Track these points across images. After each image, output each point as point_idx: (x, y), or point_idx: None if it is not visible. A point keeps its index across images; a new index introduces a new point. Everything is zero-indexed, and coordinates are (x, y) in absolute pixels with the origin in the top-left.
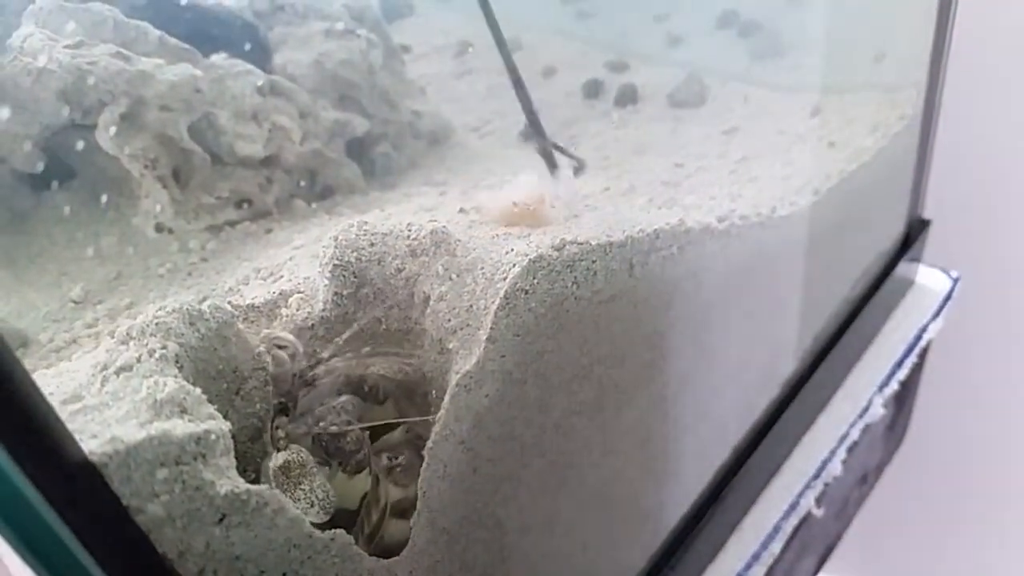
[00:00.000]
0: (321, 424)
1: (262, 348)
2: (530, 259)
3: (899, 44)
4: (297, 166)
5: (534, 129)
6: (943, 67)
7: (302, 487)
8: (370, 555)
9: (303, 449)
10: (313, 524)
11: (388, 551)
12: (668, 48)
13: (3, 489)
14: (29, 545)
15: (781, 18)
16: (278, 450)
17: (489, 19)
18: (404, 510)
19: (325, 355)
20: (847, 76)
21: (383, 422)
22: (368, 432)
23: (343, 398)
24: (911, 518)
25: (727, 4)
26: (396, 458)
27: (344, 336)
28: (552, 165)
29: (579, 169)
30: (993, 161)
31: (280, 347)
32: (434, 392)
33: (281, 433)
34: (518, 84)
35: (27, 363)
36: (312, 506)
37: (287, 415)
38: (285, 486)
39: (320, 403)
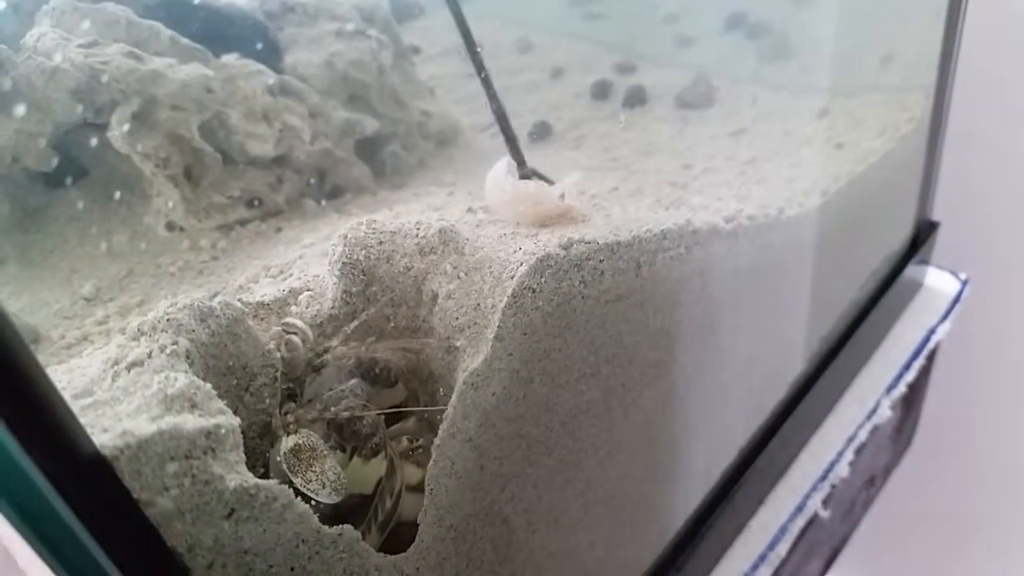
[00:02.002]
0: (333, 409)
1: (271, 345)
2: (538, 258)
3: (908, 46)
4: (307, 165)
5: (500, 125)
6: (952, 69)
7: (313, 469)
8: (383, 540)
9: (312, 433)
10: (326, 505)
11: (404, 528)
12: (677, 50)
13: (16, 481)
14: (41, 537)
15: (789, 20)
16: (288, 435)
17: (457, 18)
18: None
19: (333, 343)
20: (855, 78)
21: (399, 410)
22: (383, 416)
23: (352, 382)
24: (918, 521)
25: (735, 6)
26: (416, 439)
27: (352, 325)
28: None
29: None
30: (1002, 163)
31: (291, 333)
32: (442, 390)
33: (290, 418)
34: (486, 82)
35: (39, 359)
36: (324, 487)
37: (295, 401)
38: (296, 468)
39: (328, 388)
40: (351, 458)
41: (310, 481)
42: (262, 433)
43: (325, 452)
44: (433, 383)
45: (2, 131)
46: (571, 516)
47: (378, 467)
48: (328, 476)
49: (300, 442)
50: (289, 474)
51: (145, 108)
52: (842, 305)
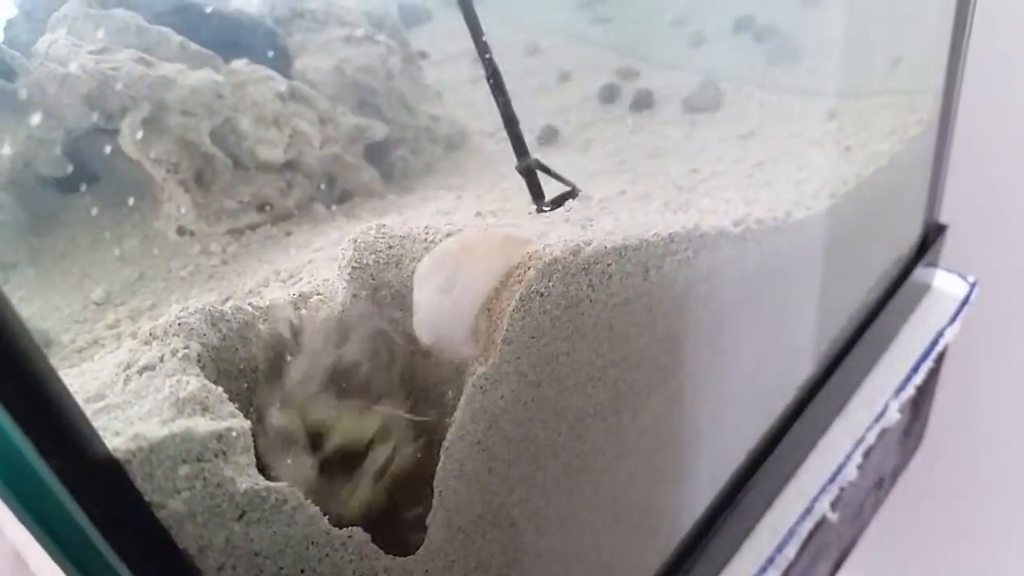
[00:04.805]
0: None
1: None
2: (545, 262)
3: (916, 48)
4: (317, 170)
5: (514, 142)
6: (960, 71)
7: (286, 462)
8: (375, 497)
9: (296, 418)
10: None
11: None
12: (684, 53)
13: (29, 484)
14: (54, 539)
15: (797, 22)
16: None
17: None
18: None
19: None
20: (863, 80)
21: (392, 412)
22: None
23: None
24: (927, 523)
25: (743, 8)
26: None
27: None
28: (537, 192)
29: (571, 195)
30: (1011, 165)
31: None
32: (450, 393)
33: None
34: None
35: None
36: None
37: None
38: (272, 453)
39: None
40: (343, 412)
41: (276, 469)
42: None
43: (303, 450)
44: (441, 387)
45: (15, 137)
46: (579, 519)
47: (372, 422)
48: (300, 473)
49: (286, 425)
50: (263, 456)
51: (156, 114)
52: (850, 308)
